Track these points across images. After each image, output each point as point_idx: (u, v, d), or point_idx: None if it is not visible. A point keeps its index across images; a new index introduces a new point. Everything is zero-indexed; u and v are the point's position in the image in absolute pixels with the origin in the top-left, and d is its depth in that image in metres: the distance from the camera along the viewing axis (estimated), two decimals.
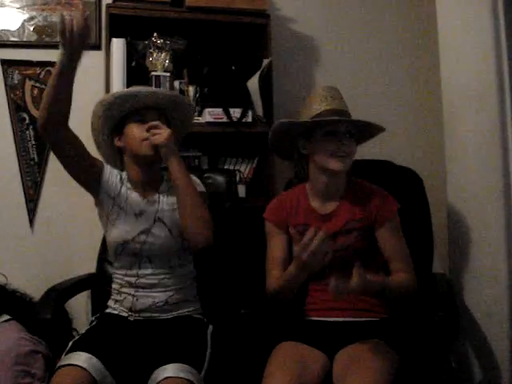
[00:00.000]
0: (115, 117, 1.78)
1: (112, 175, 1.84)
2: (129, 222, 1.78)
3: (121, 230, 1.78)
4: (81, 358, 1.52)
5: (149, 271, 1.79)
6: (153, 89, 1.75)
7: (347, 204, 1.77)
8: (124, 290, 1.80)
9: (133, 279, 1.79)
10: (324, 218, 1.77)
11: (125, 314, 1.79)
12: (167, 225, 1.78)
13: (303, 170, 1.83)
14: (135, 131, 1.75)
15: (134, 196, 1.82)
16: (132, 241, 1.77)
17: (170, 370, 1.50)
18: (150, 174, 1.82)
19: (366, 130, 1.80)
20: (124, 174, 1.86)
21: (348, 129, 1.72)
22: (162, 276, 1.79)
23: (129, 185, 1.84)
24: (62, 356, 1.57)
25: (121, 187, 1.83)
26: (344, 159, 1.71)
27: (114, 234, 1.80)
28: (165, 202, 1.81)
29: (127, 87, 2.29)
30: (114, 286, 1.86)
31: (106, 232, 1.85)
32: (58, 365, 1.53)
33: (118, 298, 1.82)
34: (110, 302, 1.85)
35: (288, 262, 1.71)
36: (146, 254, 1.78)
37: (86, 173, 1.78)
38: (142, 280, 1.78)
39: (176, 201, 1.76)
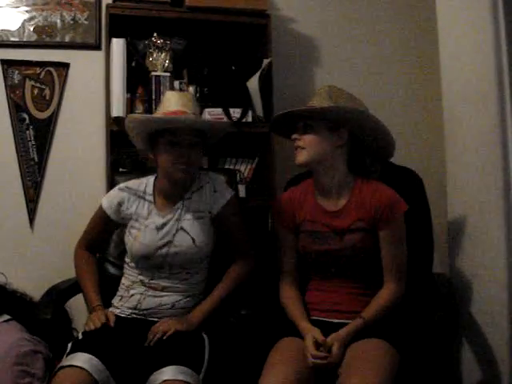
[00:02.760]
0: (146, 132, 1.78)
1: (128, 206, 1.85)
2: (150, 237, 1.79)
3: (142, 245, 1.79)
4: (81, 359, 1.52)
5: (165, 274, 1.79)
6: (197, 120, 1.81)
7: (355, 203, 1.76)
8: (134, 287, 1.80)
9: (147, 279, 1.80)
10: (332, 215, 1.77)
11: (127, 313, 1.78)
12: (190, 233, 1.78)
13: None
14: (166, 155, 1.75)
15: (156, 211, 1.82)
16: (154, 255, 1.78)
17: (167, 373, 1.50)
18: (178, 187, 1.83)
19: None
20: (149, 185, 1.87)
21: (304, 121, 1.76)
22: (177, 281, 1.79)
23: (151, 198, 1.84)
24: (64, 357, 1.57)
25: (142, 206, 1.84)
26: (300, 152, 1.75)
27: (135, 248, 1.81)
28: (188, 209, 1.81)
29: (127, 87, 2.30)
30: (123, 281, 1.86)
31: (126, 244, 1.85)
32: (59, 366, 1.53)
33: (125, 294, 1.82)
34: (115, 300, 1.85)
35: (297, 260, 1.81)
36: (168, 264, 1.79)
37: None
38: (156, 281, 1.79)
39: (199, 209, 1.81)
